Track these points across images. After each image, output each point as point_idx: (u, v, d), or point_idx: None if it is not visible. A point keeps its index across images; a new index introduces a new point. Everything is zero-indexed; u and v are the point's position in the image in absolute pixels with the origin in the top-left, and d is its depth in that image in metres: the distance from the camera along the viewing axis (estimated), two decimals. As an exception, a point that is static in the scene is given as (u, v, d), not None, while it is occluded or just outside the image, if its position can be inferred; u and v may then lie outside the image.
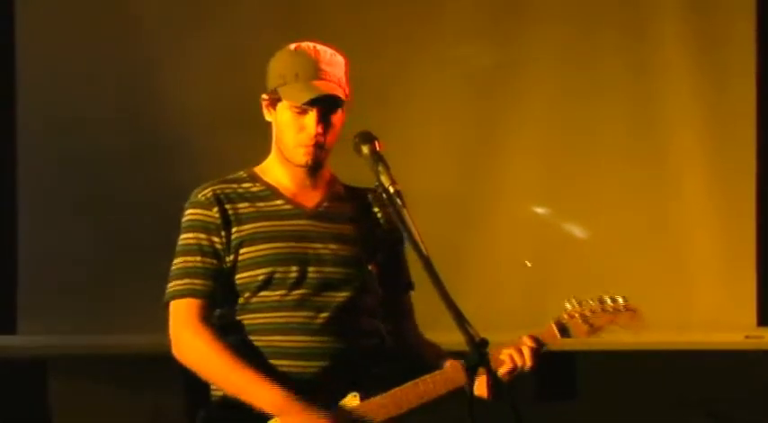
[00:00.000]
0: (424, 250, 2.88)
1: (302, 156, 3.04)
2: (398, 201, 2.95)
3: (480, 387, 2.91)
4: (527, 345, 3.02)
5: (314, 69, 3.03)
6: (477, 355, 2.73)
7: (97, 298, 4.93)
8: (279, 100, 3.04)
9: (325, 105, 3.01)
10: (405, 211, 2.93)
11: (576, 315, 3.09)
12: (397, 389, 3.00)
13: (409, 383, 3.00)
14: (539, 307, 5.02)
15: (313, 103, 3.00)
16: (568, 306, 3.10)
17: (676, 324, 5.06)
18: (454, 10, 5.07)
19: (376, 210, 3.16)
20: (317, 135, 3.01)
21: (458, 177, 5.08)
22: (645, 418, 5.12)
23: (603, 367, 4.93)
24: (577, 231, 5.16)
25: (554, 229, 5.15)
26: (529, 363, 3.01)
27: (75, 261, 4.95)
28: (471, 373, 2.73)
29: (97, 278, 4.95)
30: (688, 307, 5.11)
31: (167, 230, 4.83)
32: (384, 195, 2.97)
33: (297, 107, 3.01)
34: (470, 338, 2.74)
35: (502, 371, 3.00)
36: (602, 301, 3.12)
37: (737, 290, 5.12)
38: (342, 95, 3.02)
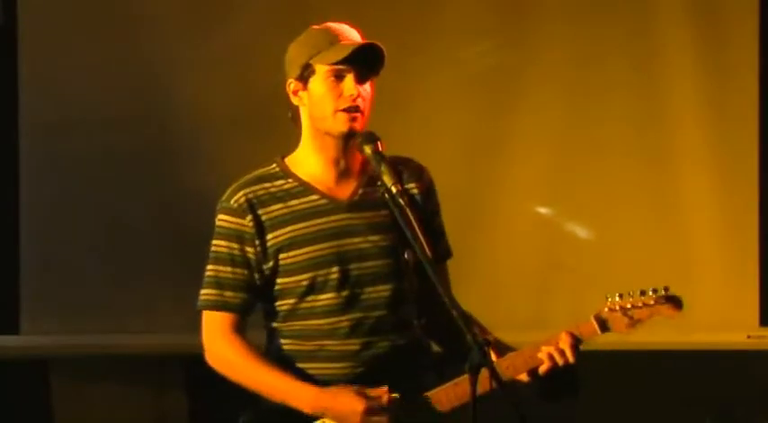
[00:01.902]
0: (426, 251, 2.89)
1: (344, 122, 3.01)
2: (401, 201, 2.95)
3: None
4: (566, 342, 3.01)
5: (346, 34, 3.05)
6: (479, 356, 2.73)
7: (99, 299, 4.93)
8: (312, 74, 3.03)
9: (361, 69, 3.01)
10: (408, 211, 2.94)
11: (617, 308, 3.06)
12: (438, 389, 3.01)
13: (449, 384, 3.01)
14: (542, 307, 5.05)
15: (352, 60, 2.98)
16: (609, 300, 3.07)
17: (678, 324, 5.04)
18: (459, 9, 5.06)
19: (411, 185, 3.13)
20: (357, 97, 3.00)
21: (461, 177, 5.07)
22: (646, 418, 5.11)
23: (605, 367, 4.92)
24: (581, 231, 5.15)
25: (557, 229, 5.14)
26: (571, 360, 3.00)
27: (78, 262, 4.95)
28: (474, 374, 2.73)
29: (100, 279, 4.95)
30: (690, 307, 5.05)
31: (170, 232, 4.85)
32: (387, 195, 2.97)
33: (334, 71, 2.99)
34: (473, 339, 2.75)
35: (542, 369, 3.01)
36: (643, 294, 3.09)
37: (740, 289, 5.12)
38: (380, 44, 3.02)
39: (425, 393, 3.01)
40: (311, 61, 3.02)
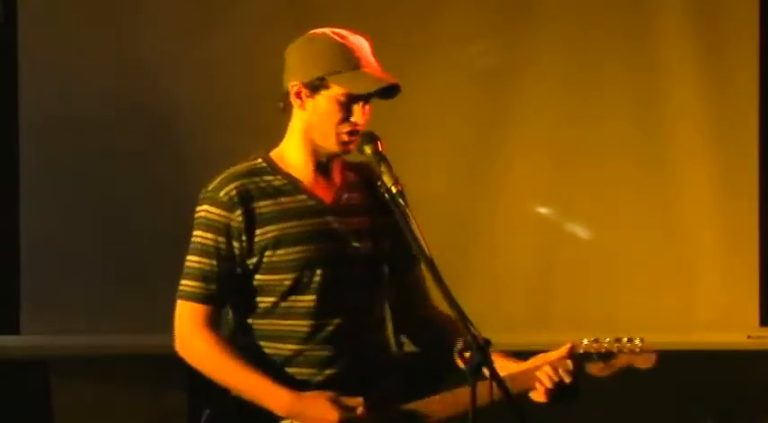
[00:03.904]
0: (427, 251, 2.88)
1: (344, 144, 3.01)
2: (401, 201, 2.94)
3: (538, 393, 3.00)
4: (564, 367, 3.03)
5: (366, 57, 3.03)
6: (480, 356, 2.73)
7: (100, 298, 4.93)
8: (324, 88, 2.99)
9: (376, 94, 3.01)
10: (408, 212, 2.93)
11: (593, 351, 3.06)
12: (432, 397, 3.01)
13: (446, 392, 3.00)
14: (542, 307, 5.05)
15: (376, 93, 2.98)
16: (585, 343, 3.06)
17: (679, 324, 5.06)
18: (459, 10, 5.07)
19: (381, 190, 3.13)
20: (363, 124, 3.00)
21: (461, 178, 5.08)
22: (646, 418, 5.11)
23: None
24: (580, 232, 5.15)
25: (557, 231, 5.14)
26: (567, 379, 3.02)
27: (78, 262, 4.95)
28: (474, 374, 2.73)
29: (100, 279, 4.95)
30: (690, 307, 5.11)
31: (170, 232, 4.84)
32: (387, 195, 2.96)
33: (349, 96, 2.97)
34: (473, 339, 2.75)
35: (537, 396, 3.02)
36: (618, 341, 3.07)
37: (740, 290, 5.12)
38: (399, 84, 3.02)
39: (419, 401, 3.01)
40: (328, 77, 2.99)
